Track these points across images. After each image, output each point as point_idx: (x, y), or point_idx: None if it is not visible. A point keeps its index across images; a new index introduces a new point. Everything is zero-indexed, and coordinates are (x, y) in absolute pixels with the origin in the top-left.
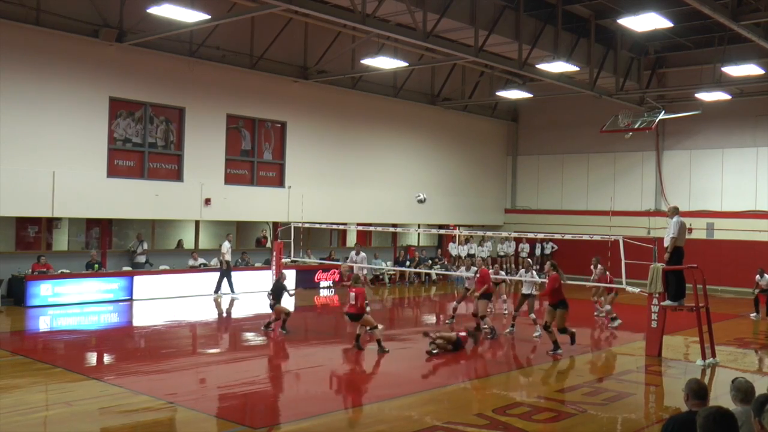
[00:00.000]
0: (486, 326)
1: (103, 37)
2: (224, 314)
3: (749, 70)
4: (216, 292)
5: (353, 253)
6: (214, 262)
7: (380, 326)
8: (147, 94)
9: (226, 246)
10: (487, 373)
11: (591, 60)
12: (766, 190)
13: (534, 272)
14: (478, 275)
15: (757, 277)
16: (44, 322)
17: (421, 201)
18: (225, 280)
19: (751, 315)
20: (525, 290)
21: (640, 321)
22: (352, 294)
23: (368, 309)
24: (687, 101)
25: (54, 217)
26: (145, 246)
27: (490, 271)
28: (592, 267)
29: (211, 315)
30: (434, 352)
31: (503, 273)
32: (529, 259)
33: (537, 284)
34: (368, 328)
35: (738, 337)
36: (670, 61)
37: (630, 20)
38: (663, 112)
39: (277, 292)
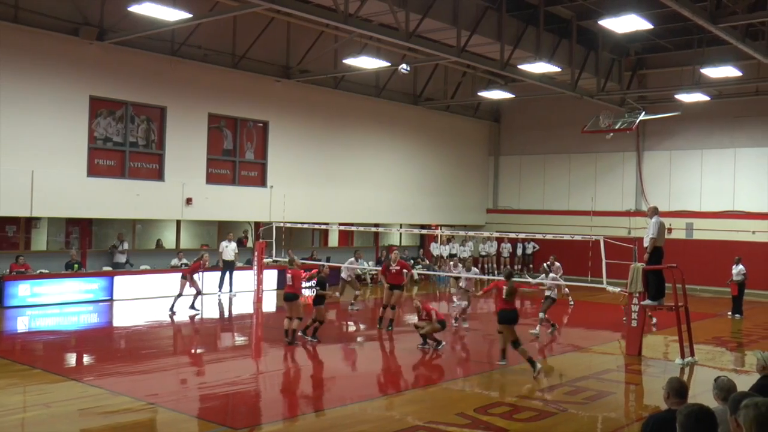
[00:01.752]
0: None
1: (84, 35)
2: (204, 314)
3: (727, 72)
4: (230, 291)
5: (352, 258)
6: (174, 262)
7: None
8: (128, 93)
9: (224, 245)
10: (469, 372)
11: (572, 61)
12: (744, 191)
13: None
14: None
15: (733, 267)
16: (22, 323)
17: (405, 70)
18: (227, 277)
19: (728, 314)
20: (547, 293)
21: (619, 320)
22: (289, 276)
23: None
24: (667, 102)
25: (33, 216)
26: (126, 246)
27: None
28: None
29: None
30: (425, 345)
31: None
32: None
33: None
34: (299, 318)
35: (716, 335)
36: (650, 63)
37: (611, 22)
38: (643, 112)
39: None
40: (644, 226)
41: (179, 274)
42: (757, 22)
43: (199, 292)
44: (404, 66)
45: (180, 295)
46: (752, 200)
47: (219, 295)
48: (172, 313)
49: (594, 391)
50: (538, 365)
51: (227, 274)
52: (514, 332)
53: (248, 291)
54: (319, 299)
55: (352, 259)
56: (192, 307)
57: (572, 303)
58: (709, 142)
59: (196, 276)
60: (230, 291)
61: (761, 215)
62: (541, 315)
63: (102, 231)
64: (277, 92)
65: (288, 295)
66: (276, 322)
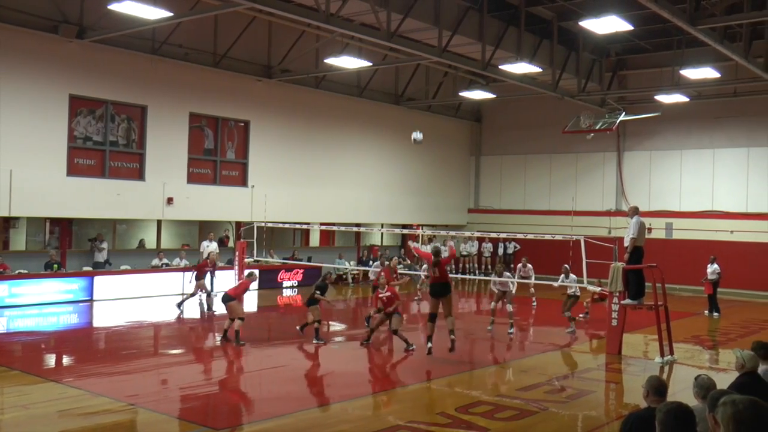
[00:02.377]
0: None
1: (63, 33)
2: (185, 315)
3: (706, 73)
4: (210, 291)
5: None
6: (176, 261)
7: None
8: (108, 91)
9: (205, 244)
10: (450, 372)
11: (553, 61)
12: (723, 191)
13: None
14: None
15: (708, 266)
16: (1, 324)
17: (417, 141)
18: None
19: (705, 312)
20: (570, 291)
21: (600, 319)
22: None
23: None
24: (647, 103)
25: (11, 216)
26: (105, 245)
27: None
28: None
29: (173, 316)
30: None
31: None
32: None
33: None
34: (236, 318)
35: (695, 334)
36: (630, 64)
37: (592, 23)
38: (624, 113)
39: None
40: (625, 225)
41: (159, 274)
42: (734, 24)
43: (207, 293)
44: (418, 136)
45: (193, 294)
46: (731, 200)
47: (200, 296)
48: (180, 311)
49: (575, 390)
50: (413, 345)
51: (209, 274)
52: (436, 306)
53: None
54: (312, 301)
55: (378, 263)
56: (179, 305)
57: (535, 303)
58: (689, 143)
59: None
60: (211, 291)
61: (740, 215)
62: (567, 314)
63: (82, 231)
64: (259, 92)
65: (225, 296)
66: (257, 323)
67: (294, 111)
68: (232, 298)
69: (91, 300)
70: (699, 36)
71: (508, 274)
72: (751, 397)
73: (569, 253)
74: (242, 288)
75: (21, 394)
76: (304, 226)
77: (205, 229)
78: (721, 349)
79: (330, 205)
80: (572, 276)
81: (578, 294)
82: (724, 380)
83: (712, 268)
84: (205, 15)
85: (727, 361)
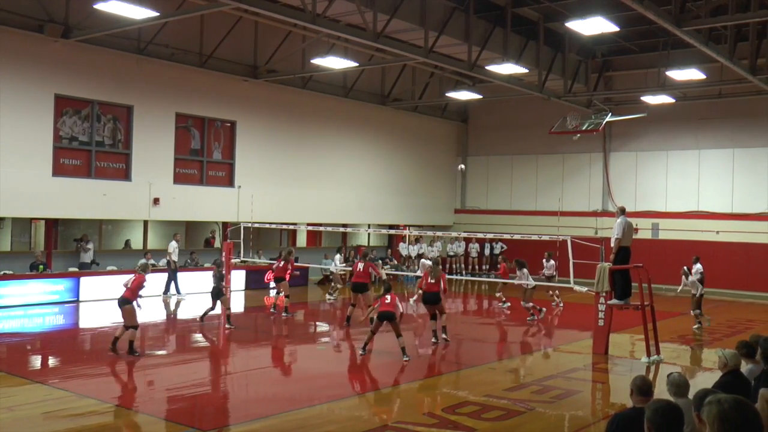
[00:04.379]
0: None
1: (48, 32)
2: (171, 315)
3: (692, 74)
4: (165, 293)
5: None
6: (163, 262)
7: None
8: (94, 91)
9: (173, 245)
10: (437, 372)
11: (540, 62)
12: (708, 192)
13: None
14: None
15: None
16: None
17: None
18: (174, 279)
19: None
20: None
21: (587, 319)
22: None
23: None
24: (633, 104)
25: None
26: (90, 246)
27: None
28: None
29: (159, 316)
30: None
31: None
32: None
33: None
34: (133, 327)
35: (681, 334)
36: (616, 65)
37: (578, 24)
38: (610, 114)
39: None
40: (611, 226)
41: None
42: (719, 26)
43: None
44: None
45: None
46: (716, 201)
47: (169, 297)
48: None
49: (561, 390)
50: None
51: (173, 275)
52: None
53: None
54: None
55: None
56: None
57: (506, 304)
58: (674, 144)
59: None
60: (177, 293)
61: (725, 216)
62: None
63: (68, 231)
64: (245, 92)
65: (120, 299)
66: (244, 323)
67: (281, 111)
68: (129, 300)
69: (76, 301)
70: (684, 38)
71: (526, 270)
72: (737, 396)
73: (556, 254)
74: (136, 285)
75: (6, 396)
76: (291, 227)
77: (192, 229)
78: (707, 349)
79: (316, 205)
80: (524, 270)
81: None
82: (709, 379)
83: (695, 268)
84: (191, 15)
85: (712, 361)
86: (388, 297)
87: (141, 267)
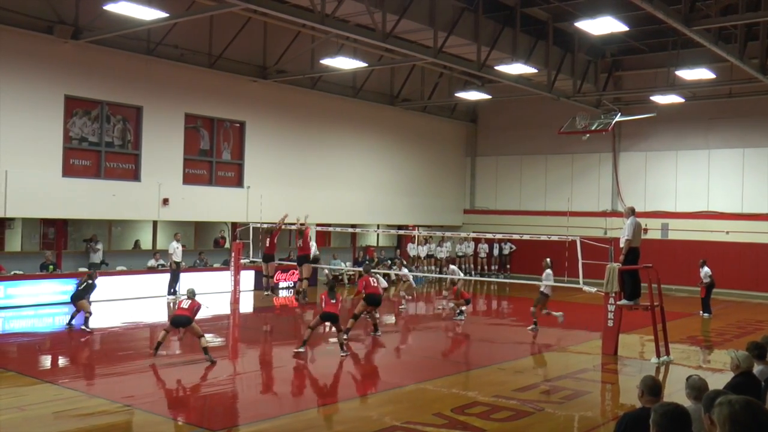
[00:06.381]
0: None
1: (58, 34)
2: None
3: (701, 74)
4: (170, 293)
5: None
6: (151, 263)
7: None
8: (103, 92)
9: (173, 246)
10: (446, 372)
11: (549, 62)
12: (718, 192)
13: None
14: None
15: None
16: None
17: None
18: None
19: (704, 314)
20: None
21: (596, 320)
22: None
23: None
24: (642, 104)
25: (7, 217)
26: (100, 246)
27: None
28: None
29: (167, 317)
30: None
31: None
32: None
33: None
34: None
35: (691, 335)
36: (626, 65)
37: (587, 24)
38: (619, 114)
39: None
40: (621, 226)
41: (154, 275)
42: (729, 25)
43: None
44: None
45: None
46: (726, 201)
47: (178, 297)
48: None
49: (571, 391)
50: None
51: (175, 275)
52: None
53: (225, 292)
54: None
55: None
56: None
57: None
58: (684, 144)
59: None
60: (174, 294)
61: (735, 216)
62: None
63: (78, 232)
64: (254, 92)
65: (182, 318)
66: (253, 323)
67: (289, 112)
68: (190, 320)
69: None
70: (694, 37)
71: (550, 272)
72: (747, 397)
73: (565, 254)
74: (196, 310)
75: (16, 396)
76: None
77: (201, 229)
78: (717, 350)
79: (326, 205)
80: (548, 271)
81: (548, 293)
82: (719, 381)
83: (703, 272)
84: (200, 16)
85: (723, 362)
86: (334, 298)
87: (190, 293)
